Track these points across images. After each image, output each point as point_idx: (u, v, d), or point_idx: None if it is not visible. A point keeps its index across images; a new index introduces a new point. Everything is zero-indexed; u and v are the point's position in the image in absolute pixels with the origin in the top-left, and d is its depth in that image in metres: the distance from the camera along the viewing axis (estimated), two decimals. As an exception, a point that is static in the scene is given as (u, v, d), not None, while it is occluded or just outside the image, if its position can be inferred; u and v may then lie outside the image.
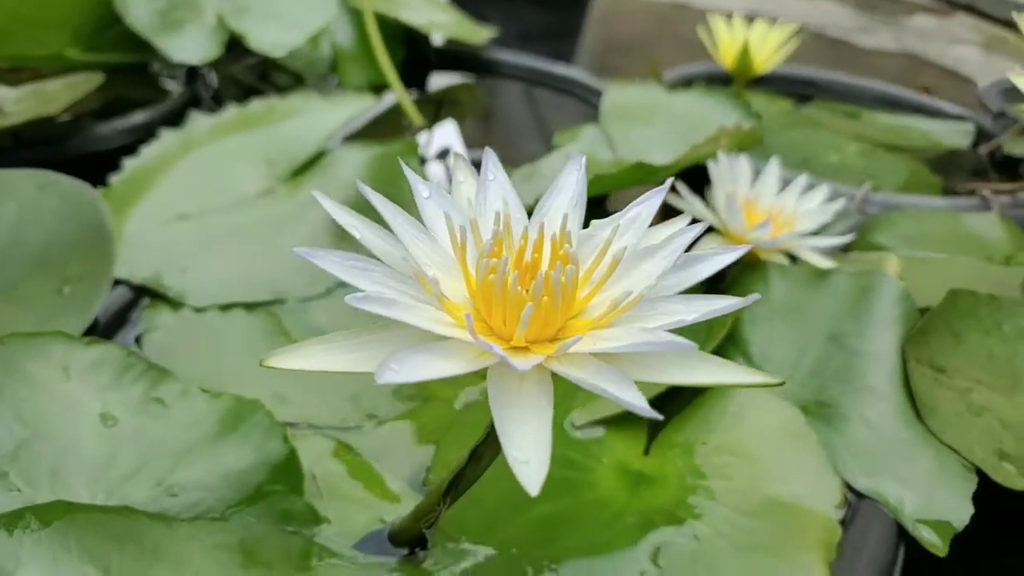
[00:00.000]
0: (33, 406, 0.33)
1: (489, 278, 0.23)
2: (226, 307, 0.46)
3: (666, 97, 0.68)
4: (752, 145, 0.57)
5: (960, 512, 0.37)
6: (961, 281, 0.50)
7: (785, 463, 0.40)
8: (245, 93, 0.76)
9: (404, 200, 0.56)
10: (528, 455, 0.20)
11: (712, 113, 0.63)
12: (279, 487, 0.33)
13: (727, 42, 0.79)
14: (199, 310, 0.45)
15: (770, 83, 0.91)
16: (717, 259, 0.25)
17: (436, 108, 0.81)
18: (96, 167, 0.54)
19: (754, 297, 0.22)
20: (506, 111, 0.89)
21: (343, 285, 0.49)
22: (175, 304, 0.45)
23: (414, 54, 0.91)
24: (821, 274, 0.47)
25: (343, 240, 0.52)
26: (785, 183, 0.55)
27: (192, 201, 0.52)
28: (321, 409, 0.40)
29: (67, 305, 0.39)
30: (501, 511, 0.36)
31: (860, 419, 0.41)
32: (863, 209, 0.65)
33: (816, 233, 0.53)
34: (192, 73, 0.78)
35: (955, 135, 0.93)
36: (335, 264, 0.23)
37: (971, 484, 0.39)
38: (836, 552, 0.35)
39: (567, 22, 1.74)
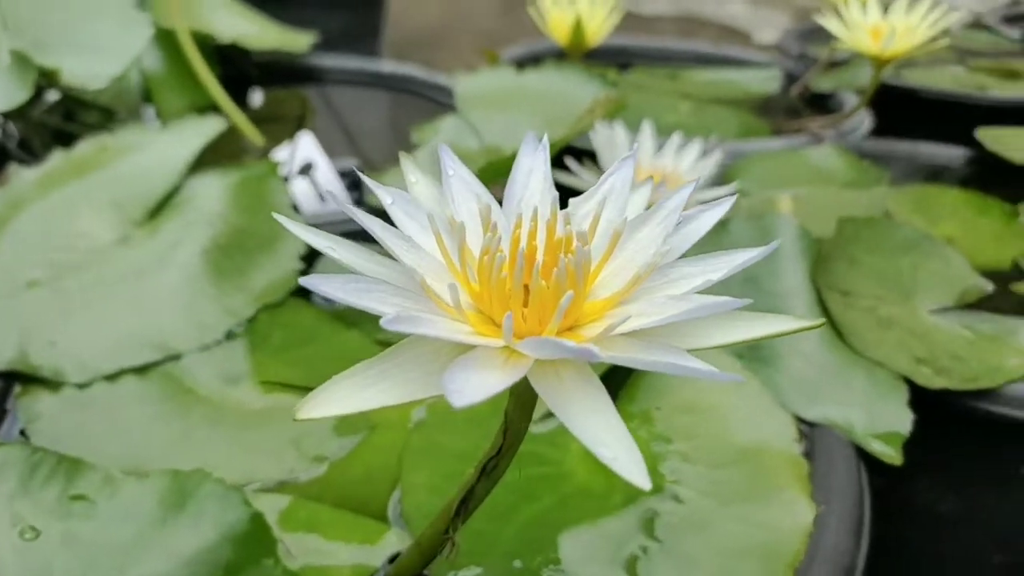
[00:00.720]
0: (-73, 537, 0.27)
1: (500, 276, 0.21)
2: (112, 377, 0.40)
3: (519, 79, 0.68)
4: (618, 112, 0.58)
5: (903, 420, 0.40)
6: (836, 209, 0.53)
7: (738, 411, 0.40)
8: (54, 138, 0.68)
9: (272, 226, 0.52)
10: (615, 450, 0.19)
11: (569, 88, 0.64)
12: (250, 558, 0.29)
13: (557, 19, 0.80)
14: (82, 386, 0.39)
15: (594, 56, 0.93)
16: (710, 214, 0.25)
17: (268, 124, 0.76)
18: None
19: (775, 244, 0.22)
20: (348, 117, 0.85)
21: (230, 335, 0.45)
22: (53, 385, 0.39)
23: (231, 71, 0.85)
24: (719, 225, 0.49)
25: (222, 276, 0.47)
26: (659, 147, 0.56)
27: (38, 264, 0.46)
28: (263, 464, 0.36)
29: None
30: (488, 527, 0.34)
31: (793, 353, 0.43)
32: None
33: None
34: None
35: (766, 81, 1.00)
36: (338, 288, 0.20)
37: (904, 392, 0.41)
38: (810, 483, 0.36)
39: (364, 22, 1.70)
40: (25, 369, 0.39)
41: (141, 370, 0.41)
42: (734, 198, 0.25)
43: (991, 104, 0.88)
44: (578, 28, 0.77)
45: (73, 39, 0.60)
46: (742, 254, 0.23)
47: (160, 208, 0.51)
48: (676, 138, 0.55)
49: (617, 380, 0.43)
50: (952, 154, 0.77)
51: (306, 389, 0.40)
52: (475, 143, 0.62)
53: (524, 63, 0.76)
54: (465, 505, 0.28)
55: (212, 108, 0.72)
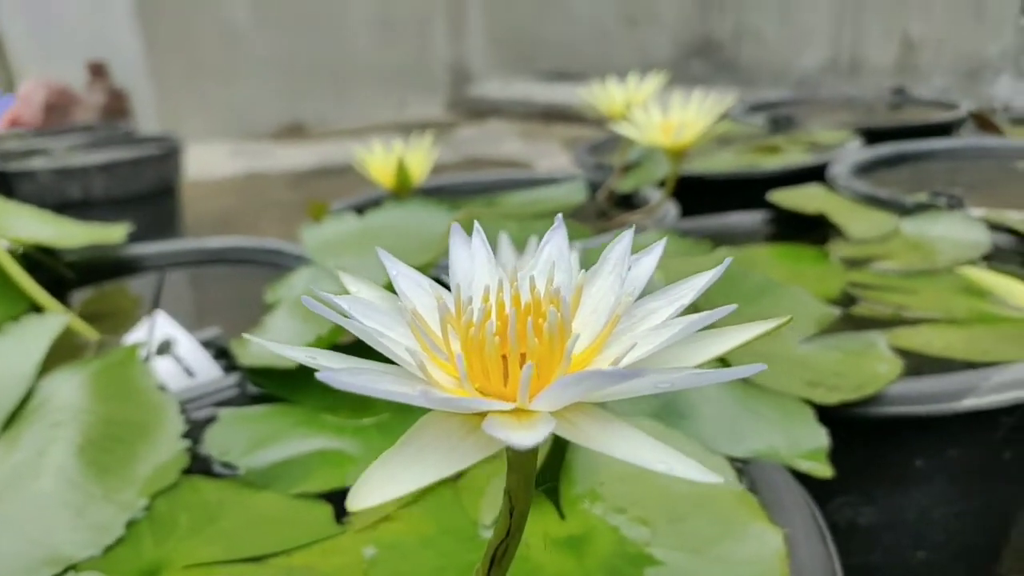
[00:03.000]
0: None
1: (490, 346, 0.21)
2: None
3: (365, 221, 0.69)
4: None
5: (819, 437, 0.43)
6: (685, 272, 0.58)
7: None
8: None
9: (144, 412, 0.48)
10: (667, 462, 0.19)
11: (418, 220, 0.65)
12: None
13: (379, 165, 0.83)
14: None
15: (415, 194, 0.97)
16: (649, 258, 0.26)
17: (98, 321, 0.71)
18: None
19: (728, 260, 0.24)
20: (185, 298, 0.81)
21: (134, 522, 0.40)
22: (-70, 634, 0.33)
23: (42, 277, 0.79)
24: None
25: (104, 471, 0.42)
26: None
27: None
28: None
29: None
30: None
31: (704, 401, 0.45)
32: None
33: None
34: None
35: (574, 192, 1.09)
36: (350, 378, 0.19)
37: (810, 413, 0.44)
38: (765, 511, 0.38)
39: (159, 218, 1.67)
40: None
41: (39, 589, 0.35)
42: (664, 241, 0.27)
43: (768, 175, 1.01)
44: (402, 169, 0.81)
45: None
46: (701, 278, 0.24)
47: (14, 417, 0.46)
48: (533, 243, 0.58)
49: (553, 467, 0.42)
50: (755, 218, 0.87)
51: (234, 563, 0.37)
52: (336, 288, 0.62)
53: (360, 209, 0.78)
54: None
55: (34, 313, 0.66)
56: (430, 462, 0.19)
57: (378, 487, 0.18)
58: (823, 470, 0.41)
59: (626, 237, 0.26)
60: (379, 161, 0.82)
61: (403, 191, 0.83)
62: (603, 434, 0.20)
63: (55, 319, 0.53)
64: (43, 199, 1.43)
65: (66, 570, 0.37)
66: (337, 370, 0.19)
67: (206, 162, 2.72)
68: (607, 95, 1.02)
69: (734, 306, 0.22)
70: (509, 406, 0.20)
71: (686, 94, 0.84)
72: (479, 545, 0.37)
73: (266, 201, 2.26)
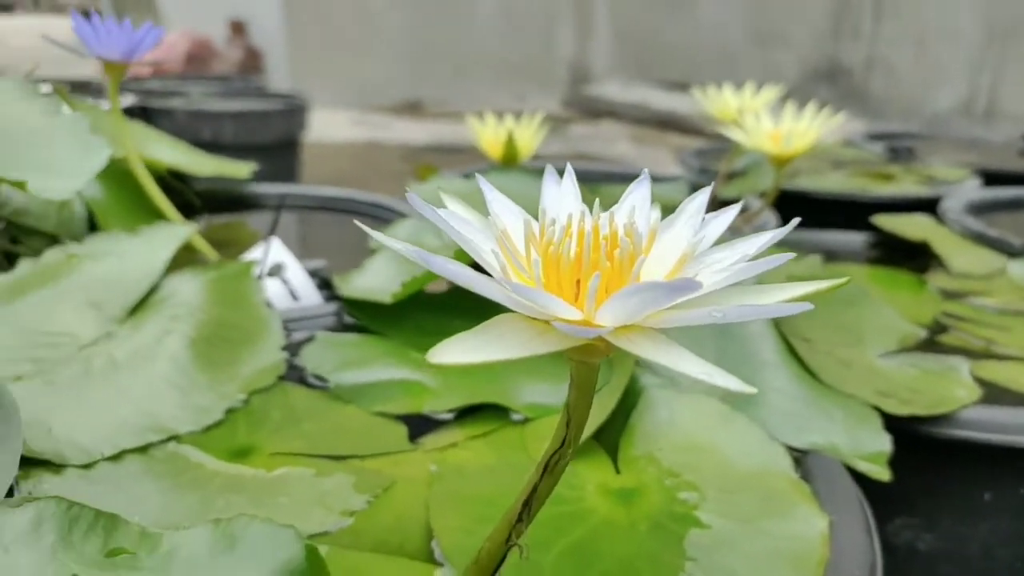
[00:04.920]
0: (-30, 596, 0.26)
1: (566, 262, 0.24)
2: (114, 458, 0.39)
3: (470, 184, 0.73)
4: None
5: (882, 441, 0.43)
6: (779, 276, 0.59)
7: (733, 444, 0.43)
8: (3, 259, 0.67)
9: (252, 320, 0.52)
10: (703, 368, 0.21)
11: (520, 188, 0.68)
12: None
13: (490, 137, 0.86)
14: (86, 467, 0.38)
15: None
16: (725, 215, 0.28)
17: (217, 248, 0.77)
18: None
19: (795, 221, 0.26)
20: (296, 237, 0.87)
21: (232, 411, 0.44)
22: (55, 467, 0.38)
23: (174, 200, 0.86)
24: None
25: (211, 365, 0.47)
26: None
27: (21, 361, 0.44)
28: (292, 521, 0.35)
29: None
30: (522, 562, 0.34)
31: (772, 390, 0.46)
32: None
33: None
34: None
35: (676, 192, 1.09)
36: (445, 263, 0.22)
37: (877, 419, 0.45)
38: (815, 499, 0.39)
39: (281, 169, 1.76)
40: (25, 454, 0.37)
41: (143, 450, 0.40)
42: (740, 203, 0.29)
43: (876, 200, 0.99)
44: (510, 142, 0.84)
45: (31, 160, 0.61)
46: (766, 235, 0.26)
47: (139, 307, 0.51)
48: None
49: (616, 428, 0.44)
50: (856, 239, 0.86)
51: (315, 458, 0.40)
52: (437, 241, 0.66)
53: (467, 176, 0.82)
54: (528, 507, 0.28)
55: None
56: (502, 344, 0.22)
57: (458, 352, 0.21)
58: (881, 473, 0.42)
59: (703, 193, 0.28)
60: (490, 133, 0.86)
61: (509, 164, 0.86)
62: (656, 348, 0.22)
63: (183, 228, 0.59)
64: (179, 137, 1.54)
65: (168, 439, 0.41)
66: (439, 259, 0.22)
67: (328, 127, 2.84)
68: (723, 100, 1.02)
69: (792, 254, 0.23)
70: (577, 314, 0.23)
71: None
72: (536, 480, 0.40)
73: (379, 168, 2.35)
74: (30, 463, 0.38)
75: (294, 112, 1.67)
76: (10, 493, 0.36)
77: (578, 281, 0.24)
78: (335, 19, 3.22)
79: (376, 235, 0.26)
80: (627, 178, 1.15)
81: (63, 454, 0.38)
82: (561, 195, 0.29)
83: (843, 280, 0.25)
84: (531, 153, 0.87)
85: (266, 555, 0.29)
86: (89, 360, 0.46)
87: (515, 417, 0.46)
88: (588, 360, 0.25)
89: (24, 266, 0.53)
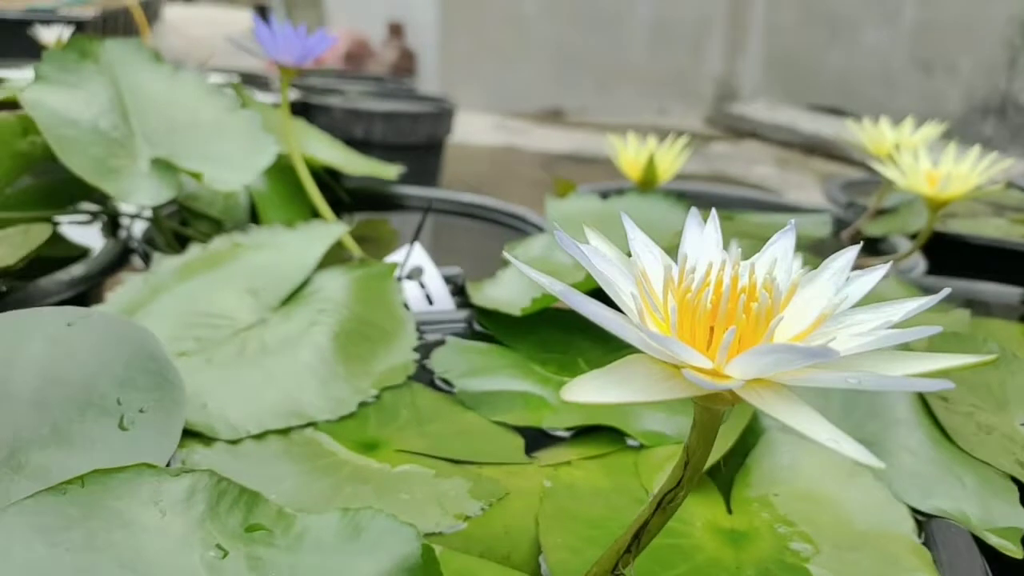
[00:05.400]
0: (133, 549, 0.29)
1: (702, 310, 0.24)
2: (259, 437, 0.43)
3: (606, 204, 0.74)
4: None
5: (1018, 516, 0.41)
6: (927, 319, 0.56)
7: (854, 500, 0.42)
8: (174, 240, 0.73)
9: (390, 319, 0.55)
10: (832, 434, 0.21)
11: (655, 212, 0.69)
12: (420, 593, 0.31)
13: (630, 157, 0.87)
14: (233, 442, 0.42)
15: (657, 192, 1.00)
16: (873, 275, 0.28)
17: (361, 244, 0.82)
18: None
19: (946, 291, 0.25)
20: (433, 239, 0.91)
21: (364, 405, 0.47)
22: (207, 439, 0.42)
23: (326, 195, 0.92)
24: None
25: (349, 358, 0.50)
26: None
27: (187, 338, 0.49)
28: (410, 518, 0.37)
29: (137, 439, 0.35)
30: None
31: (902, 449, 0.45)
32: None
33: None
34: (113, 224, 0.74)
35: (818, 226, 1.06)
36: (582, 301, 0.23)
37: (1014, 491, 0.42)
38: (936, 568, 0.37)
39: (424, 169, 1.82)
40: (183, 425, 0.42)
41: (284, 432, 0.43)
42: (888, 266, 0.29)
43: (1040, 252, 0.92)
44: (651, 164, 0.84)
45: (206, 153, 0.67)
46: (914, 301, 0.26)
47: (291, 297, 0.56)
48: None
49: (732, 468, 0.44)
50: (1013, 292, 0.81)
51: (435, 459, 0.42)
52: (567, 259, 0.67)
53: (604, 194, 0.82)
54: (638, 540, 0.29)
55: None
56: (632, 387, 0.23)
57: (590, 391, 0.22)
58: (1014, 551, 0.40)
59: (851, 251, 0.28)
60: (631, 153, 0.86)
61: (648, 186, 0.86)
62: (783, 406, 0.23)
63: (336, 227, 0.63)
64: (332, 132, 1.63)
65: (307, 425, 0.44)
66: (576, 294, 0.23)
67: (471, 130, 2.92)
68: (878, 133, 0.98)
69: (939, 328, 0.23)
70: (708, 364, 0.23)
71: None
72: (646, 509, 0.40)
73: (516, 174, 2.39)
74: (186, 434, 0.42)
75: (441, 115, 1.72)
76: (168, 462, 0.40)
77: (712, 328, 0.25)
78: (487, 25, 3.31)
79: (516, 262, 0.27)
80: (766, 206, 1.12)
81: (215, 428, 0.42)
82: (703, 240, 0.30)
83: (990, 357, 0.24)
84: (670, 175, 0.87)
85: (386, 548, 0.31)
86: (244, 343, 0.50)
87: (631, 443, 0.46)
88: (713, 407, 0.26)
89: (194, 250, 0.59)
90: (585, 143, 2.78)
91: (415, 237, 0.63)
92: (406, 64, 3.50)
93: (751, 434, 0.47)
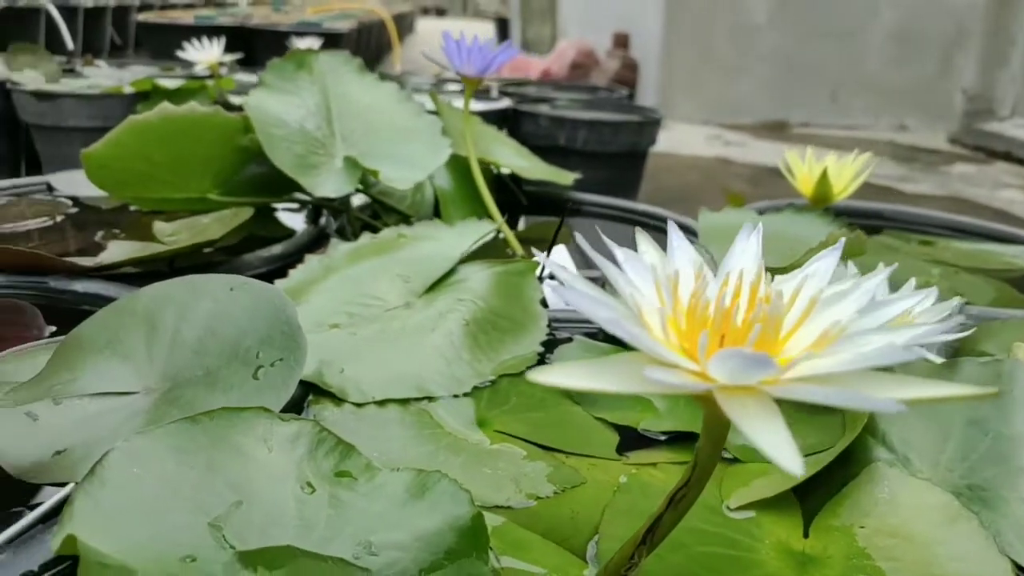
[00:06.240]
0: (241, 474, 0.36)
1: (704, 313, 0.26)
2: (381, 403, 0.49)
3: (760, 219, 0.73)
4: (853, 256, 0.60)
5: None
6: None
7: (949, 545, 0.40)
8: (364, 228, 0.83)
9: (522, 314, 0.59)
10: (778, 442, 0.22)
11: (806, 230, 0.67)
12: (467, 550, 0.35)
13: (805, 173, 0.84)
14: (359, 405, 0.48)
15: (841, 215, 0.95)
16: (902, 302, 0.28)
17: (531, 244, 0.87)
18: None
19: (957, 301, 0.25)
20: (591, 242, 0.94)
21: (480, 387, 0.52)
22: (337, 400, 0.48)
23: (506, 197, 0.99)
24: (950, 364, 0.49)
25: (476, 345, 0.55)
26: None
27: (342, 313, 0.57)
28: (486, 489, 0.42)
29: (265, 387, 0.42)
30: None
31: (1018, 499, 0.41)
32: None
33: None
34: (316, 212, 0.85)
35: (1034, 259, 0.95)
36: (579, 296, 0.26)
37: None
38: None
39: (624, 178, 1.85)
40: (320, 384, 0.49)
41: (403, 402, 0.49)
42: (933, 290, 0.28)
43: None
44: (824, 180, 0.81)
45: (391, 153, 0.76)
46: (920, 327, 0.25)
47: (436, 285, 0.62)
48: (911, 282, 0.56)
49: (821, 496, 0.44)
50: None
51: (529, 444, 0.46)
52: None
53: (766, 210, 0.81)
54: (652, 533, 0.31)
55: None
56: (600, 378, 0.25)
57: (557, 374, 0.25)
58: None
59: (883, 273, 0.28)
60: (805, 167, 0.83)
61: (821, 203, 0.83)
62: (757, 418, 0.24)
63: (486, 226, 0.68)
64: (537, 139, 1.71)
65: (424, 398, 0.50)
66: (571, 288, 0.26)
67: (685, 140, 2.90)
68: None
69: (921, 353, 0.23)
70: (692, 365, 0.25)
71: None
72: (715, 520, 0.41)
73: (722, 188, 2.34)
74: (322, 393, 0.49)
75: (644, 126, 1.74)
76: (300, 410, 0.47)
77: (723, 337, 0.26)
78: (712, 35, 3.25)
79: (545, 261, 0.30)
80: (977, 233, 1.03)
81: (346, 391, 0.49)
82: (743, 251, 0.31)
83: (990, 391, 0.24)
84: (847, 194, 0.83)
85: (442, 508, 0.35)
86: (388, 322, 0.57)
87: (724, 455, 0.47)
88: (714, 412, 0.27)
89: (365, 238, 0.67)
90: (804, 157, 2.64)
91: (554, 239, 0.67)
92: (628, 74, 3.54)
93: (855, 463, 0.46)
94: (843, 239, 0.32)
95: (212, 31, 3.05)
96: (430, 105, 0.92)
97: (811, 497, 0.44)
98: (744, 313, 0.26)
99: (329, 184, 0.70)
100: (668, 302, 0.28)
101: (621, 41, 3.64)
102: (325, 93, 0.81)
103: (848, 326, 0.26)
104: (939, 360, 0.52)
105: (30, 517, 0.34)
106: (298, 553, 0.30)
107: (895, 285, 0.80)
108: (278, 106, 0.75)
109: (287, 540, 0.34)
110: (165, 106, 0.72)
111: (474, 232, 0.67)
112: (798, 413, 0.51)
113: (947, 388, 0.24)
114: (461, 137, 0.88)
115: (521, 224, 1.04)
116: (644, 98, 3.41)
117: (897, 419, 0.48)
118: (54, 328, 0.55)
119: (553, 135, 1.67)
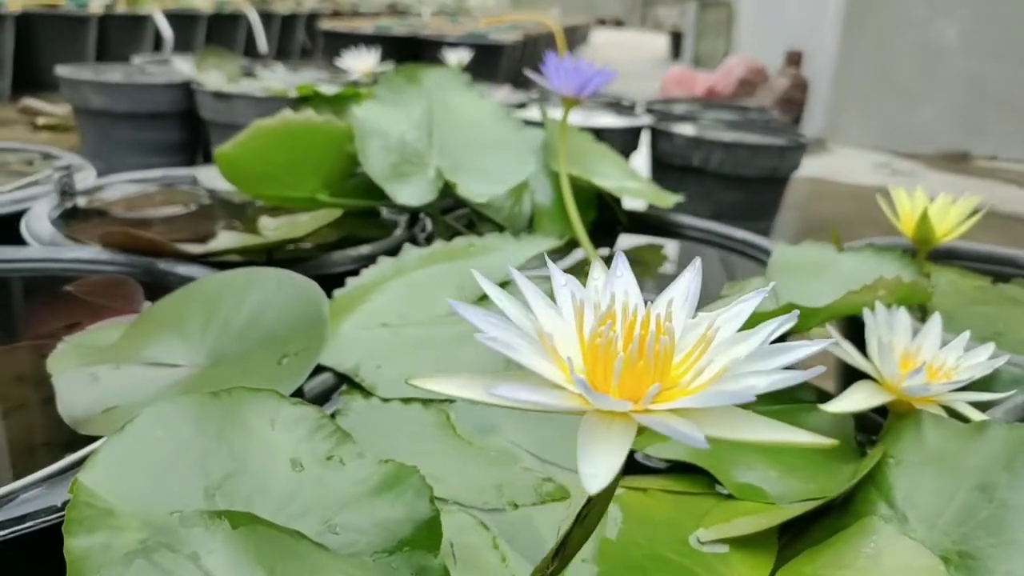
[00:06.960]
0: (243, 446, 0.41)
1: (596, 341, 0.28)
2: (407, 400, 0.53)
3: (835, 256, 0.71)
4: (916, 302, 0.57)
5: None
6: None
7: (922, 608, 0.38)
8: (454, 236, 0.88)
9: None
10: (597, 470, 0.24)
11: (880, 272, 0.64)
12: (420, 543, 0.38)
13: (907, 212, 0.80)
14: (385, 400, 0.53)
15: (961, 259, 0.90)
16: (800, 349, 0.28)
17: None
18: (327, 284, 0.65)
19: (818, 370, 0.25)
20: (682, 264, 0.94)
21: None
22: (366, 393, 0.53)
23: (605, 215, 1.01)
24: (980, 425, 0.46)
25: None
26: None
27: (395, 314, 0.62)
28: (469, 492, 0.45)
29: (284, 372, 0.47)
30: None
31: (1006, 573, 0.39)
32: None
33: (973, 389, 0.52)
34: (413, 218, 0.91)
35: None
36: (477, 317, 0.29)
37: None
38: None
39: (760, 203, 1.79)
40: (354, 377, 0.54)
41: (425, 403, 0.53)
42: (831, 341, 0.28)
43: None
44: (924, 220, 0.77)
45: (478, 166, 0.80)
46: (791, 373, 0.26)
47: (486, 296, 0.65)
48: (965, 335, 0.53)
49: (804, 543, 0.43)
50: None
51: (530, 453, 0.48)
52: (772, 303, 0.66)
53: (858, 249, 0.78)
54: (562, 549, 0.33)
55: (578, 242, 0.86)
56: (471, 387, 0.28)
57: (434, 380, 0.28)
58: None
59: (776, 323, 0.28)
60: (910, 205, 0.79)
61: (924, 244, 0.79)
62: (601, 438, 0.26)
63: (545, 241, 0.71)
64: (673, 158, 1.70)
65: (444, 400, 0.53)
66: (481, 326, 0.29)
67: (847, 166, 2.75)
68: None
69: (755, 395, 0.24)
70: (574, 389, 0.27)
71: None
72: (681, 550, 0.42)
73: (875, 219, 2.20)
74: (355, 385, 0.54)
75: (787, 150, 1.69)
76: (327, 399, 0.52)
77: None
78: (893, 55, 3.06)
79: (484, 283, 0.33)
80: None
81: (376, 386, 0.53)
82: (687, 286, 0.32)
83: (829, 442, 0.24)
84: (953, 236, 0.78)
85: (406, 500, 0.39)
86: (435, 327, 0.61)
87: (720, 490, 0.47)
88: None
89: (437, 244, 0.71)
90: (984, 193, 2.43)
91: (611, 255, 0.68)
92: (797, 94, 3.40)
93: (852, 515, 0.45)
94: (795, 312, 0.32)
95: (388, 40, 3.25)
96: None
97: (798, 542, 0.44)
98: (634, 346, 0.28)
99: (407, 193, 0.76)
100: (572, 328, 0.30)
101: (794, 59, 3.51)
102: (430, 106, 0.87)
103: (732, 367, 0.27)
104: (980, 417, 0.49)
105: (65, 461, 0.41)
106: (257, 520, 0.35)
107: (997, 335, 0.75)
108: (383, 117, 0.81)
109: (266, 510, 0.39)
110: (286, 113, 0.81)
111: (535, 246, 0.70)
112: (815, 460, 0.50)
113: (787, 434, 0.25)
114: (555, 155, 0.91)
115: (623, 243, 1.06)
116: (812, 119, 3.26)
117: (908, 474, 0.46)
118: (151, 304, 0.64)
119: (688, 156, 1.66)
